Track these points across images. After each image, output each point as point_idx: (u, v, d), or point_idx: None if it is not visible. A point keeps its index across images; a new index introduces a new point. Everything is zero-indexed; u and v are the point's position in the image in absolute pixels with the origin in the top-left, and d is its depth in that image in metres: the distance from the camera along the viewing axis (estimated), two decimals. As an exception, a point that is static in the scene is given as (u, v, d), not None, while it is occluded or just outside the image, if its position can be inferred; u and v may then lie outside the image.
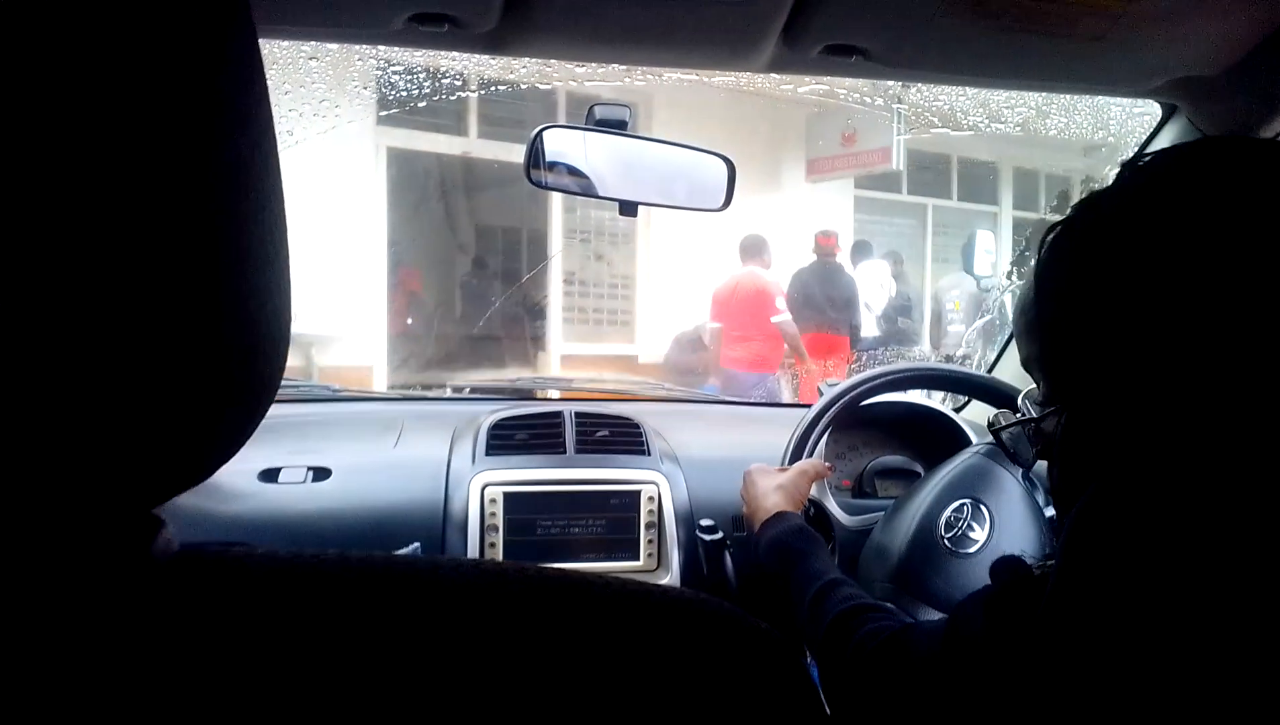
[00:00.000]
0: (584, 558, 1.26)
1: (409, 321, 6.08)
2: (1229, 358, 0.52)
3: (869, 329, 5.88)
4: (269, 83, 0.32)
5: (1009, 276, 4.37)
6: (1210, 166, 0.56)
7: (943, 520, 1.07)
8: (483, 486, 1.24)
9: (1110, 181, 0.60)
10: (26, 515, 0.27)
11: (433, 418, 1.51)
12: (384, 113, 5.16)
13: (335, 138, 3.01)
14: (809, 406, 1.32)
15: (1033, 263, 0.63)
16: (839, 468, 1.47)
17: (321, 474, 1.28)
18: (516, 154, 1.24)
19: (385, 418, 1.50)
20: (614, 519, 1.28)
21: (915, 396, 1.51)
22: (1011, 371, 1.48)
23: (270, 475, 1.26)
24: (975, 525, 1.06)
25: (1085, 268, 0.59)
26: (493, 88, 4.89)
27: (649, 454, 1.35)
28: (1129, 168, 0.60)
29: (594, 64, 1.44)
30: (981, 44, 1.00)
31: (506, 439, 1.34)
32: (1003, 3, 0.91)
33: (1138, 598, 0.50)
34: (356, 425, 1.50)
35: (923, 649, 0.70)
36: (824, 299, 5.31)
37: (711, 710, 0.31)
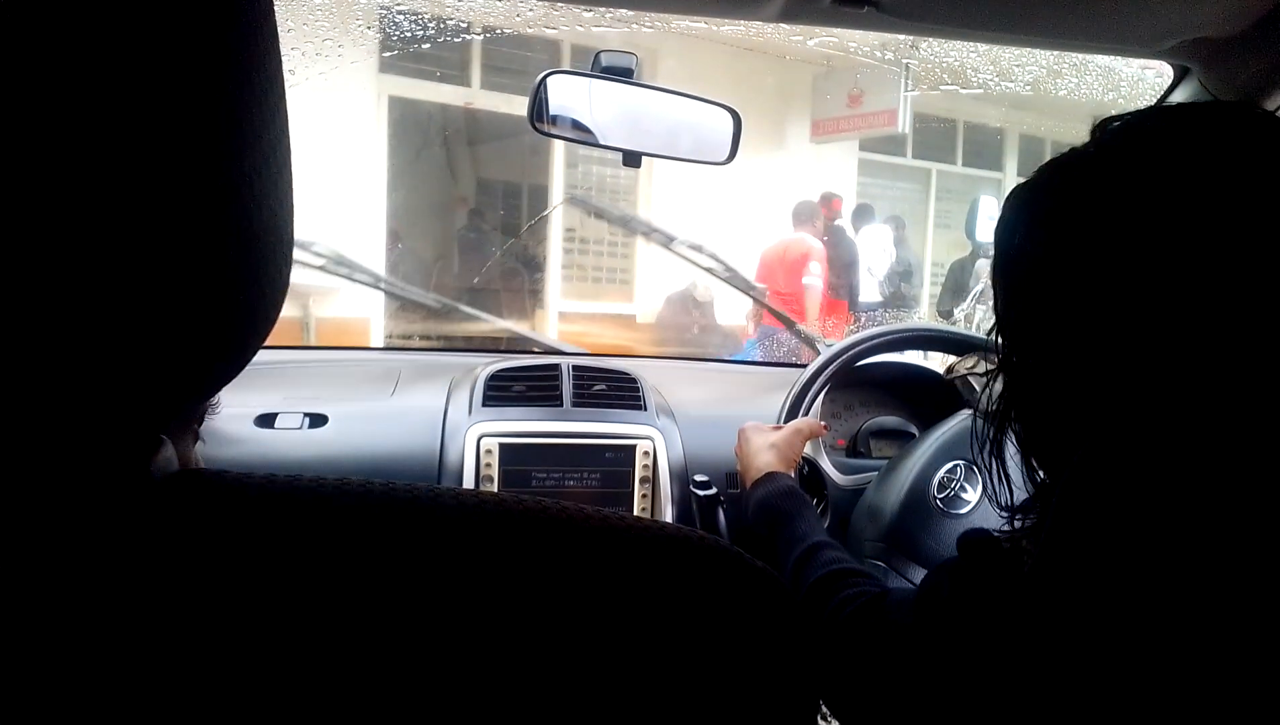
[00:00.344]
0: None
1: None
2: (1190, 317, 0.51)
3: (870, 293, 5.88)
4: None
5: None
6: (1184, 130, 0.55)
7: (935, 481, 1.07)
8: (479, 437, 1.24)
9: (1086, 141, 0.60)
10: (26, 425, 0.27)
11: (430, 368, 1.51)
12: (387, 54, 5.08)
13: (338, 85, 2.97)
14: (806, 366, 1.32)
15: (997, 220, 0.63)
16: (834, 427, 1.47)
17: (318, 420, 1.28)
18: (519, 106, 1.22)
19: (382, 367, 1.50)
20: (608, 473, 1.28)
21: (912, 357, 1.51)
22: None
23: (267, 420, 1.26)
24: (968, 487, 1.06)
25: (1047, 223, 0.59)
26: (497, 32, 4.81)
27: (645, 409, 1.35)
28: (1100, 129, 0.59)
29: (603, 8, 1.40)
30: None
31: (503, 390, 1.34)
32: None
33: (1130, 569, 0.50)
34: (354, 374, 1.50)
35: (894, 617, 0.71)
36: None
37: (710, 642, 0.32)
